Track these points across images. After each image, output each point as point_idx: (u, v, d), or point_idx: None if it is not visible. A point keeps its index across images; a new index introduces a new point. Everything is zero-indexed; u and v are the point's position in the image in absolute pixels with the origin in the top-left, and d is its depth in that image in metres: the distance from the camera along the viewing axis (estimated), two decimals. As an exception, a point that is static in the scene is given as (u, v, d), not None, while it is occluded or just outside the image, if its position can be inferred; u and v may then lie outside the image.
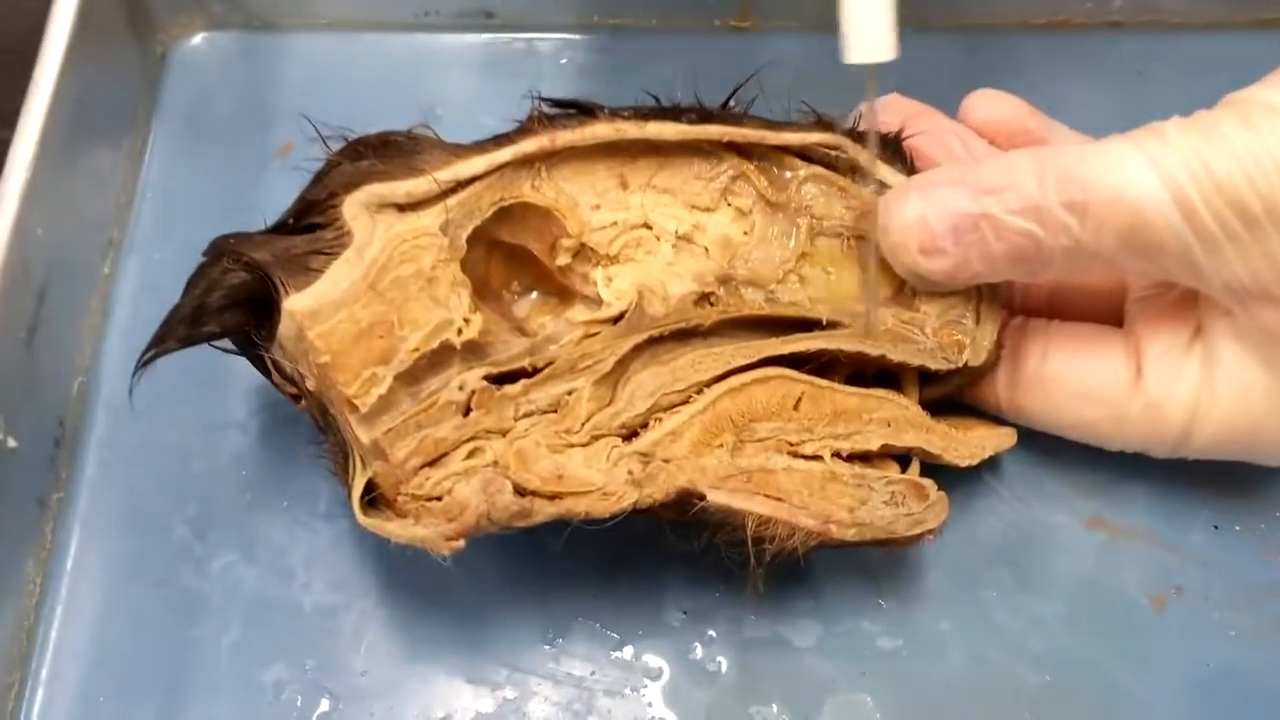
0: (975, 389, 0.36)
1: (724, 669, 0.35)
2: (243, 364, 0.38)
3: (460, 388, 0.31)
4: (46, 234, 0.38)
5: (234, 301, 0.31)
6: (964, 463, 0.34)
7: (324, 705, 0.34)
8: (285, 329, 0.31)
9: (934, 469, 0.34)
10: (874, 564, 0.36)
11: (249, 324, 0.32)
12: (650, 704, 0.34)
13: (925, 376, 0.35)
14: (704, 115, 0.34)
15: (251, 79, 0.45)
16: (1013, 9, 0.46)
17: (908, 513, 0.33)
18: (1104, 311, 0.35)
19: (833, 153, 0.34)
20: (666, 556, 0.36)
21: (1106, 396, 0.33)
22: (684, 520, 0.32)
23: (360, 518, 0.31)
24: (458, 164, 0.32)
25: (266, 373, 0.33)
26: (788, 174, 0.35)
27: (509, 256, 0.35)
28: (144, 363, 0.32)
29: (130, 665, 0.35)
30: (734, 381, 0.32)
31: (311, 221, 0.31)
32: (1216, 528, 0.37)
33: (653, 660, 0.35)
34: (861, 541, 0.32)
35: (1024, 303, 0.36)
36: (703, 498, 0.31)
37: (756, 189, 0.34)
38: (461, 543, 0.30)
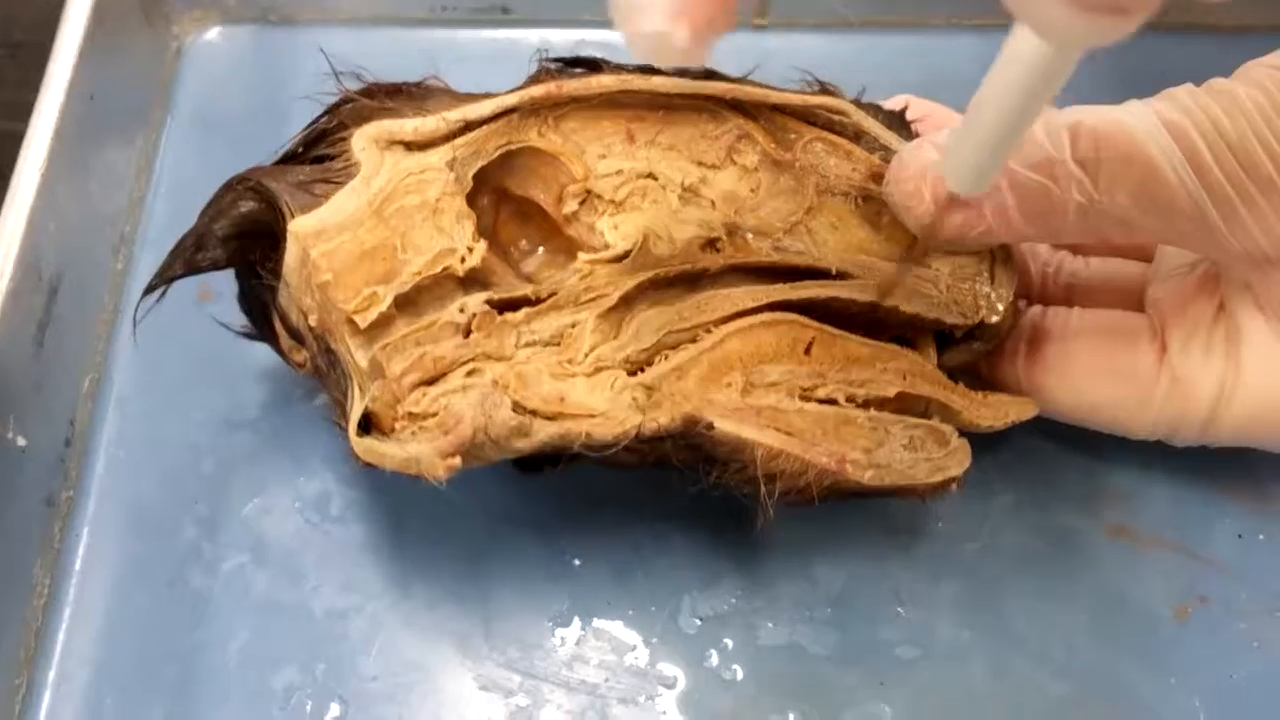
0: (994, 369, 0.35)
1: (740, 677, 0.34)
2: (254, 363, 0.38)
3: (461, 310, 0.31)
4: (59, 230, 0.37)
5: (240, 231, 0.31)
6: (985, 423, 0.33)
7: (334, 710, 0.34)
8: (289, 255, 0.31)
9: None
10: (893, 569, 0.35)
11: (255, 258, 0.32)
12: (665, 712, 0.34)
13: (941, 341, 0.34)
14: (708, 74, 0.34)
15: (266, 73, 0.45)
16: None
17: (928, 457, 0.32)
18: (1125, 305, 0.35)
19: (836, 118, 0.34)
20: (682, 563, 0.35)
21: (1131, 373, 0.32)
22: (693, 460, 0.31)
23: (355, 442, 0.30)
24: (465, 106, 0.32)
25: (271, 334, 0.33)
26: (792, 135, 0.34)
27: (517, 214, 0.34)
28: (149, 290, 0.33)
29: (138, 669, 0.34)
30: (742, 322, 0.32)
31: (320, 153, 0.32)
32: (1241, 536, 0.36)
33: (668, 668, 0.34)
34: (881, 488, 0.31)
35: (1042, 295, 0.36)
36: (710, 427, 0.30)
37: (762, 147, 0.34)
38: (458, 461, 0.29)
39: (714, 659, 0.34)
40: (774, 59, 0.38)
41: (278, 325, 0.32)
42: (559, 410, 0.30)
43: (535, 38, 0.45)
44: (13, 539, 0.35)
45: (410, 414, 0.30)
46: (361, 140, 0.31)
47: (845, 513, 0.36)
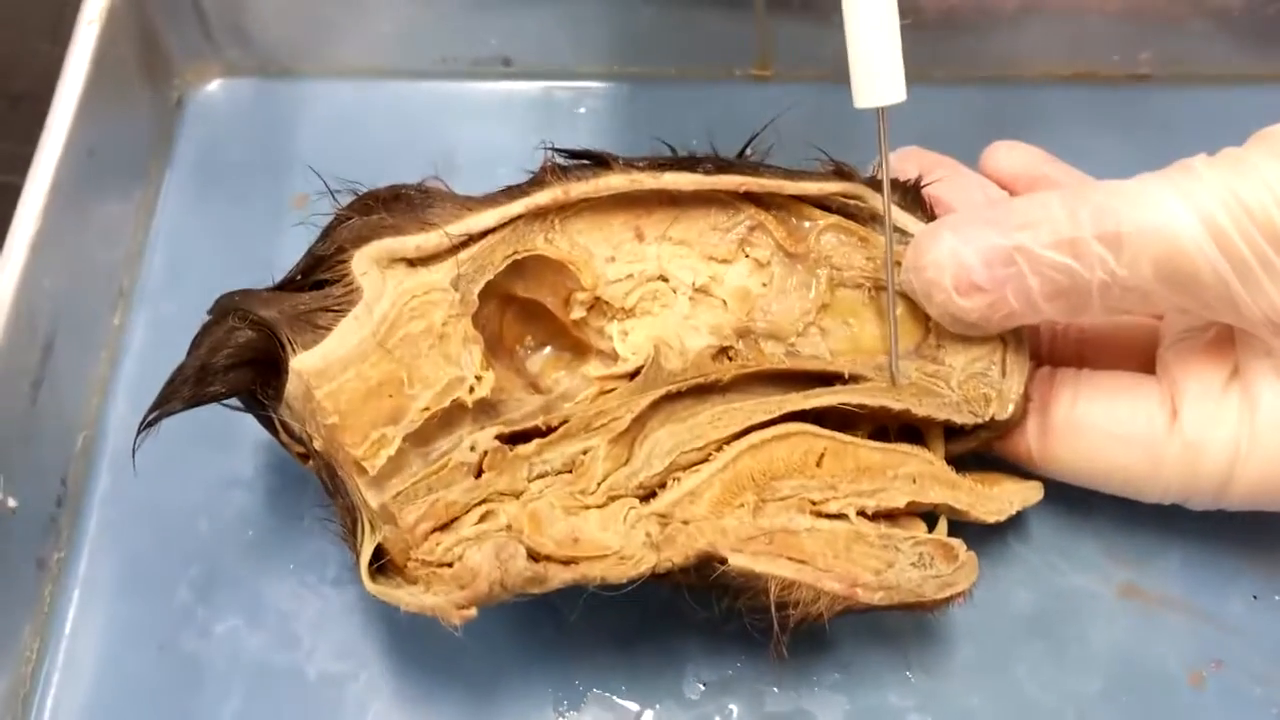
0: (1004, 441, 0.34)
1: (745, 745, 0.33)
2: (251, 422, 0.37)
3: (472, 448, 0.31)
4: (54, 284, 0.37)
5: (240, 361, 0.31)
6: (991, 519, 0.33)
7: (328, 779, 0.33)
8: (292, 388, 0.30)
9: (961, 529, 0.33)
10: (902, 635, 0.35)
11: (256, 383, 0.31)
12: (668, 782, 0.33)
13: (951, 431, 0.34)
14: (720, 165, 0.33)
15: (267, 127, 0.45)
16: (1038, 61, 0.45)
17: (936, 574, 0.31)
18: (1135, 363, 0.34)
19: (852, 202, 0.34)
20: (686, 625, 0.34)
21: (1142, 438, 0.32)
22: (704, 585, 0.31)
23: (369, 585, 0.30)
24: (469, 217, 0.31)
25: (274, 432, 0.32)
26: (806, 224, 0.34)
27: (522, 311, 0.34)
28: (147, 424, 0.31)
29: (129, 735, 0.33)
30: (754, 438, 0.32)
31: (320, 278, 0.31)
32: (1256, 597, 0.35)
33: (671, 734, 0.33)
34: (889, 605, 0.31)
35: (1052, 354, 0.36)
36: (724, 561, 0.30)
37: (774, 239, 0.34)
38: (474, 611, 0.29)
39: (719, 726, 0.34)
40: (776, 110, 0.38)
41: (282, 435, 0.32)
42: (573, 554, 0.29)
43: (537, 89, 0.45)
44: (2, 602, 0.34)
45: (424, 561, 0.30)
46: (362, 263, 0.30)
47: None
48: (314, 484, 0.36)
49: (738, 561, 0.30)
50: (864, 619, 0.34)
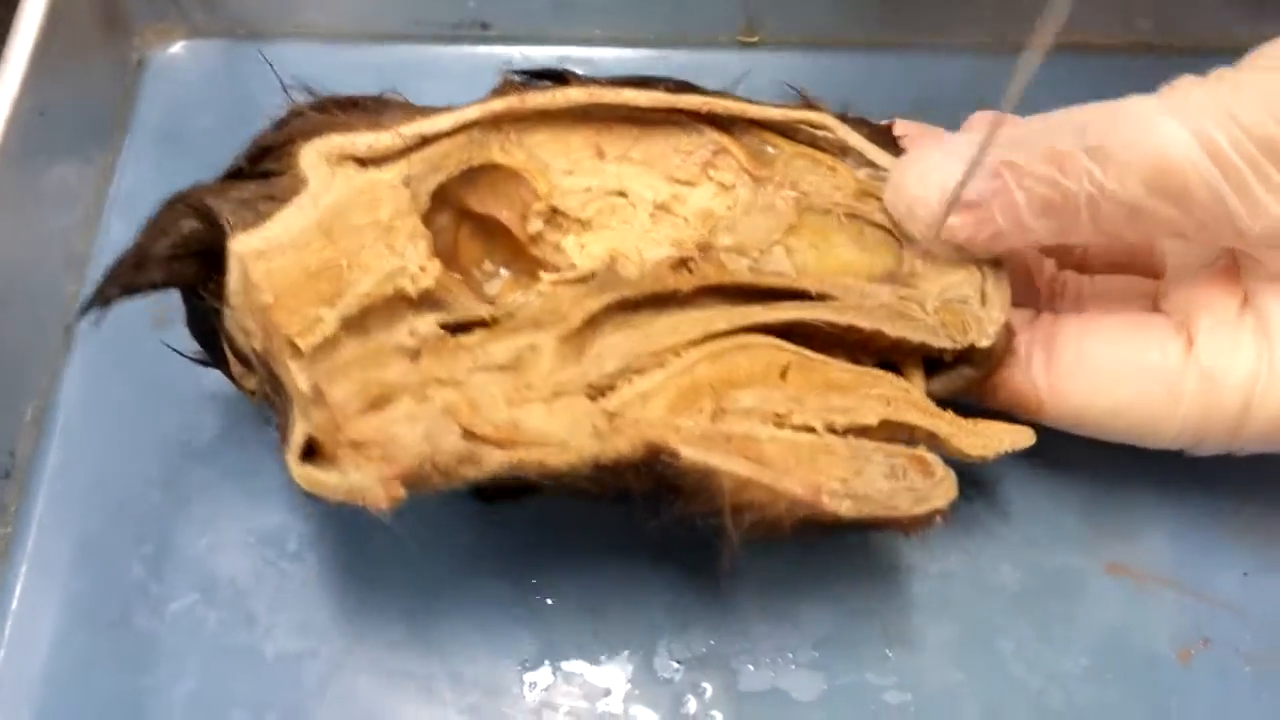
0: (1007, 388, 0.33)
1: (719, 725, 0.32)
2: (210, 389, 0.36)
3: (411, 333, 0.29)
4: (5, 249, 0.36)
5: (182, 250, 0.30)
6: (976, 452, 0.31)
7: (286, 760, 0.32)
8: (232, 276, 0.29)
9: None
10: (881, 611, 0.34)
11: (199, 279, 0.30)
12: (639, 762, 0.32)
13: (931, 368, 0.32)
14: (681, 86, 0.32)
15: (233, 90, 0.43)
16: (1032, 28, 0.44)
17: (910, 487, 0.29)
18: (1137, 305, 0.33)
19: (820, 133, 0.33)
20: (657, 602, 0.33)
21: (1158, 368, 0.31)
22: (655, 490, 0.28)
23: (295, 469, 0.28)
24: (423, 121, 0.31)
25: (221, 360, 0.31)
26: (771, 150, 0.33)
27: (479, 230, 0.33)
28: (83, 311, 0.30)
29: (78, 715, 0.32)
30: (714, 346, 0.30)
31: (266, 168, 0.30)
32: (1246, 574, 0.34)
33: (643, 714, 0.32)
34: (860, 520, 0.29)
35: (1051, 309, 0.34)
36: (675, 455, 0.28)
37: (739, 163, 0.32)
38: (402, 492, 0.27)
39: (692, 705, 0.32)
40: (762, 76, 0.38)
41: (227, 350, 0.30)
42: (512, 438, 0.28)
43: (515, 54, 0.44)
44: (-54, 578, 0.33)
45: (353, 442, 0.28)
46: (310, 155, 0.29)
47: (829, 549, 0.34)
48: (274, 454, 0.35)
49: (689, 454, 0.28)
50: (839, 598, 0.33)
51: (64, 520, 0.35)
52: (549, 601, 0.33)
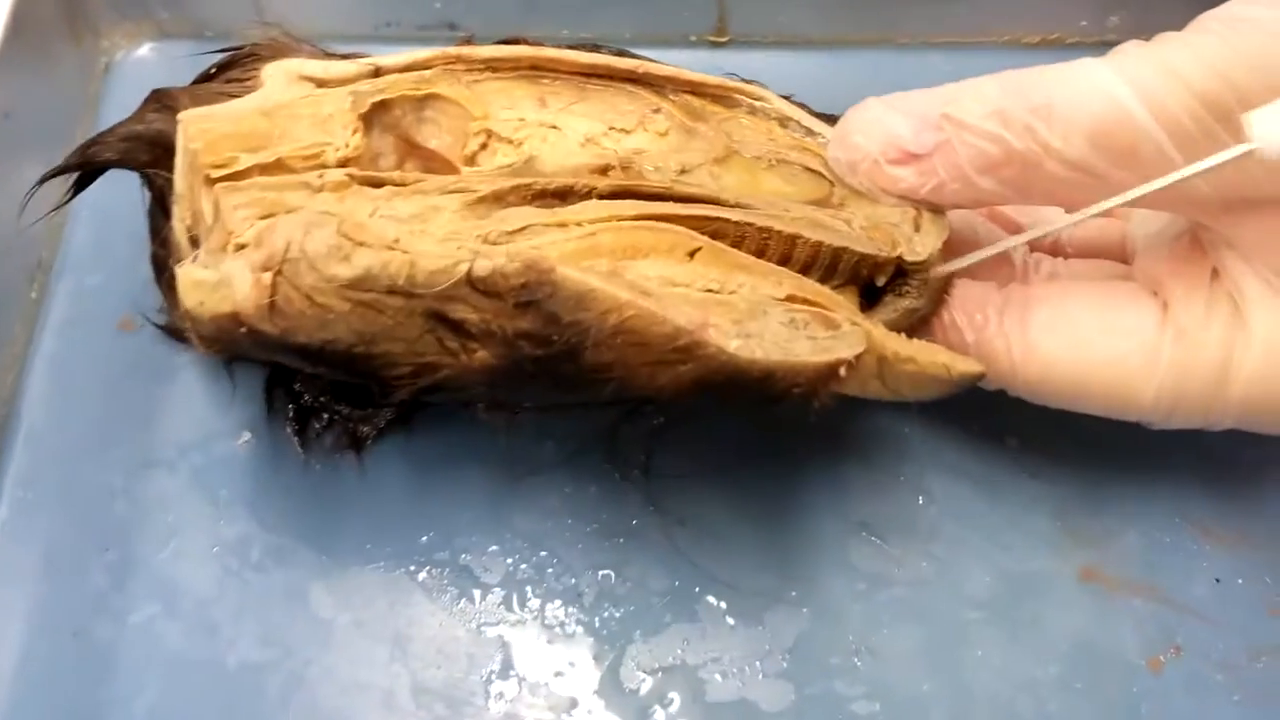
0: (979, 346, 0.31)
1: (686, 735, 0.32)
2: (177, 396, 0.36)
3: (320, 176, 0.29)
4: (-35, 255, 0.35)
5: (137, 132, 0.31)
6: (905, 355, 0.29)
7: (248, 773, 0.31)
8: (178, 143, 0.30)
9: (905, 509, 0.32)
10: (849, 619, 0.33)
11: (151, 163, 0.32)
12: (604, 774, 0.31)
13: (870, 300, 0.31)
14: (622, 52, 0.34)
15: (202, 92, 0.43)
16: (1005, 26, 0.44)
17: (811, 336, 0.28)
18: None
19: (759, 104, 0.33)
20: (623, 610, 0.33)
21: (1133, 329, 0.30)
22: (537, 333, 0.27)
23: (179, 271, 0.28)
24: (378, 56, 0.33)
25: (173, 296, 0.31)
26: (709, 113, 0.33)
27: (424, 168, 0.33)
28: (40, 182, 0.33)
29: (38, 728, 0.32)
30: (619, 224, 0.29)
31: (232, 76, 0.32)
32: (1219, 581, 0.34)
33: (609, 725, 0.32)
34: (755, 371, 0.27)
35: (1024, 280, 0.34)
36: (550, 270, 0.26)
37: (674, 117, 0.33)
38: (268, 279, 0.27)
39: (659, 716, 0.32)
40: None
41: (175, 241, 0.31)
42: (389, 245, 0.27)
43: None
44: (-96, 588, 0.32)
45: (239, 244, 0.28)
46: (272, 69, 0.31)
47: (798, 555, 0.34)
48: (239, 463, 0.35)
49: (566, 272, 0.26)
50: (808, 596, 0.33)
51: (26, 528, 0.34)
52: (513, 610, 0.33)
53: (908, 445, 0.36)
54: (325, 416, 0.35)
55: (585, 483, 0.35)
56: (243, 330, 0.28)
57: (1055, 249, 0.35)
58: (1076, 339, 0.31)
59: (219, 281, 0.27)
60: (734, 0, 0.43)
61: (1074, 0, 0.43)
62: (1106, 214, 0.36)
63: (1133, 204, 0.31)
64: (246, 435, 0.36)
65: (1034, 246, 0.35)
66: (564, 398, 0.31)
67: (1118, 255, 0.34)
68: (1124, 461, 0.35)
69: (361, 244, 0.27)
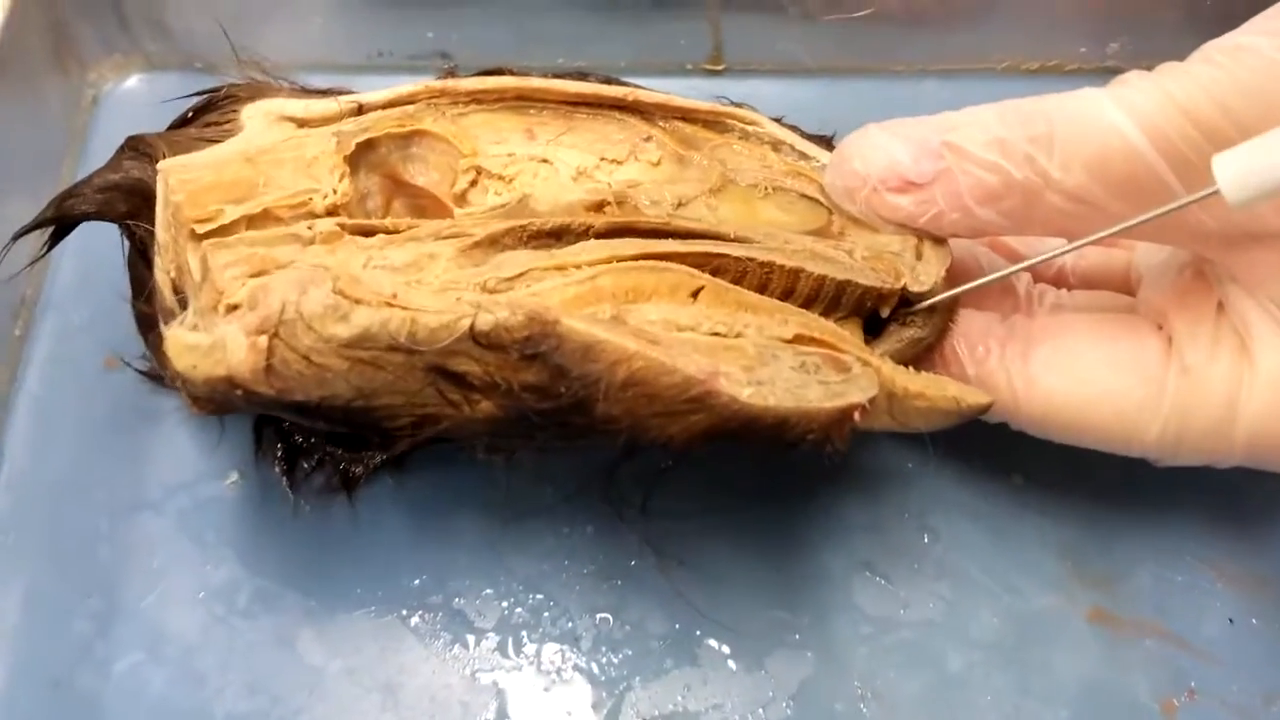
0: (981, 377, 0.31)
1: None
2: (163, 437, 0.35)
3: (309, 227, 0.28)
4: (-52, 291, 0.34)
5: (115, 182, 0.31)
6: (914, 390, 0.28)
7: (235, 828, 0.30)
8: (158, 194, 0.29)
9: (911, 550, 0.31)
10: (854, 661, 0.32)
11: (129, 214, 0.31)
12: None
13: (874, 332, 0.31)
14: (610, 80, 0.33)
15: (191, 125, 0.42)
16: (1004, 53, 0.44)
17: (822, 380, 0.27)
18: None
19: (751, 129, 0.33)
20: (623, 653, 0.32)
21: (1137, 362, 0.30)
22: (543, 386, 0.26)
23: (166, 333, 0.27)
24: (362, 93, 0.32)
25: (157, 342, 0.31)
26: (701, 141, 0.33)
27: (412, 207, 0.32)
28: (16, 237, 0.32)
29: (18, 782, 0.31)
30: (620, 265, 0.28)
31: (210, 119, 0.32)
32: (1232, 621, 0.33)
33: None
34: (767, 411, 0.26)
35: (1027, 311, 0.33)
36: (555, 322, 0.26)
37: (666, 145, 0.32)
38: (264, 342, 0.26)
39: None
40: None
41: (158, 294, 0.31)
42: (387, 301, 0.26)
43: (476, 85, 0.43)
44: (-120, 637, 0.31)
45: (230, 305, 0.27)
46: (252, 110, 0.31)
47: (801, 596, 0.33)
48: (227, 505, 0.34)
49: (571, 324, 0.26)
50: (813, 639, 0.32)
51: (9, 572, 0.33)
52: (507, 654, 0.32)
53: (912, 482, 0.35)
54: (315, 457, 0.34)
55: (582, 523, 0.34)
56: (238, 392, 0.27)
57: (1059, 280, 0.35)
58: (1078, 372, 0.30)
59: (212, 345, 0.26)
60: (730, 28, 0.43)
61: (1074, 27, 0.43)
62: (1110, 244, 0.36)
63: (1130, 236, 0.31)
64: (234, 476, 0.35)
65: (1037, 277, 0.34)
66: (570, 445, 0.30)
67: (1122, 287, 0.34)
68: (1134, 499, 0.34)
69: (359, 301, 0.26)
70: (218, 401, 0.28)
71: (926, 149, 0.29)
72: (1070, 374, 0.30)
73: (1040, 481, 0.35)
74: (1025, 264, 0.31)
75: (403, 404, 0.28)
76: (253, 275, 0.27)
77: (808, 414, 0.26)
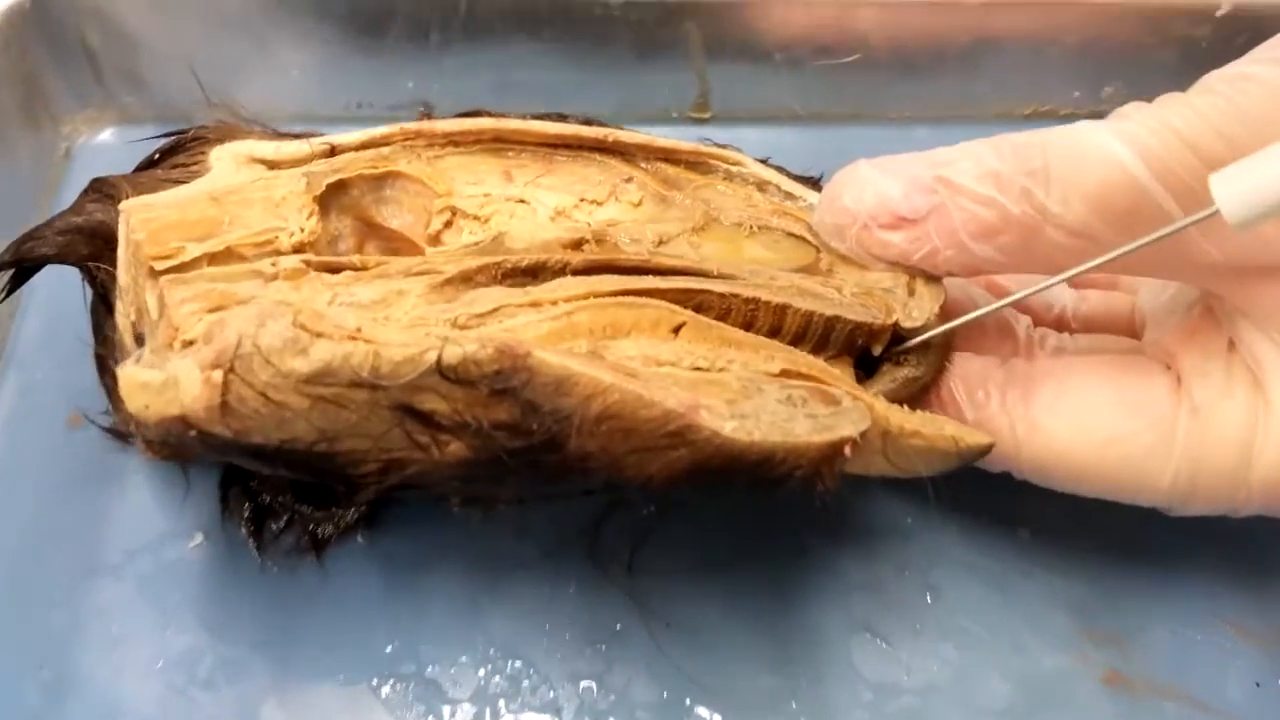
0: (980, 423, 0.29)
1: None
2: (126, 497, 0.34)
3: (273, 264, 0.27)
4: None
5: (77, 227, 0.30)
6: (910, 429, 0.27)
7: None
8: (120, 234, 0.28)
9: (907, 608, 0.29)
10: (856, 732, 0.30)
11: (90, 256, 0.30)
12: None
13: (868, 371, 0.30)
14: (589, 120, 0.32)
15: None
16: (996, 99, 0.43)
17: (811, 414, 0.26)
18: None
19: (735, 169, 0.32)
20: (609, 726, 0.30)
21: (1146, 404, 0.28)
22: (515, 424, 0.25)
23: (120, 372, 0.25)
24: (334, 135, 0.31)
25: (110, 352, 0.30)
26: (683, 181, 0.32)
27: (385, 250, 0.31)
28: None
29: None
30: (598, 301, 0.27)
31: (177, 161, 0.31)
32: (1259, 685, 0.31)
33: None
34: (752, 446, 0.25)
35: (1028, 355, 0.32)
36: (526, 354, 0.24)
37: (647, 185, 0.31)
38: (219, 377, 0.24)
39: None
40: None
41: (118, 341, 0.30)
42: (350, 335, 0.25)
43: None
44: None
45: (186, 342, 0.25)
46: (220, 152, 0.30)
47: (797, 660, 0.31)
48: (190, 569, 0.32)
49: (544, 356, 0.24)
50: (812, 709, 0.30)
51: (-47, 646, 0.32)
52: (486, 729, 0.30)
53: (912, 537, 0.33)
54: (284, 516, 0.32)
55: (564, 582, 0.32)
56: (193, 433, 0.25)
57: (1060, 325, 0.33)
58: (1084, 416, 0.29)
59: (165, 382, 0.25)
60: (716, 76, 0.43)
61: (1067, 71, 0.42)
62: (1111, 286, 0.34)
63: (1135, 272, 0.30)
64: (199, 538, 0.33)
65: (1037, 320, 0.33)
66: (547, 489, 0.28)
67: (1126, 330, 0.33)
68: (1148, 553, 0.33)
69: (320, 335, 0.25)
70: (173, 446, 0.27)
71: (919, 184, 0.28)
72: (1075, 418, 0.29)
73: (1047, 535, 0.33)
74: (1027, 292, 0.30)
75: (369, 448, 0.26)
76: (210, 310, 0.26)
77: (795, 449, 0.25)
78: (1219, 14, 0.40)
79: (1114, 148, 0.26)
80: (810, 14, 0.41)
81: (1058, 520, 0.33)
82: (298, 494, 0.32)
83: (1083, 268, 0.27)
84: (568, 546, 0.33)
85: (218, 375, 0.25)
